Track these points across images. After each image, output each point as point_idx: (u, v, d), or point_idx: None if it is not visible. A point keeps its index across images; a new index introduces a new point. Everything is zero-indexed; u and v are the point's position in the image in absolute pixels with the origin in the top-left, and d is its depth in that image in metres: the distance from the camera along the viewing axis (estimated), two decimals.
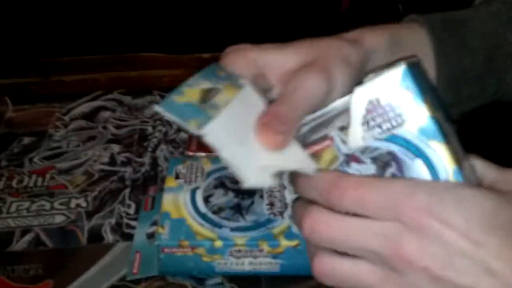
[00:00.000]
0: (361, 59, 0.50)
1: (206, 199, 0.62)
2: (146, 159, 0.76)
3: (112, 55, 0.98)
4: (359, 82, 0.39)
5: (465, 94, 0.58)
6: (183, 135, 0.79)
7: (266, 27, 1.36)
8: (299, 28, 1.42)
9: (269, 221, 0.60)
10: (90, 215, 0.68)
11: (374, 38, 0.52)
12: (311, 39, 0.51)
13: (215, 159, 0.69)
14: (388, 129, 0.35)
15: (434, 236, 0.34)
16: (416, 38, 0.55)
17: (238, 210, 0.61)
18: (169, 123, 0.82)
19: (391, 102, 0.35)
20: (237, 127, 0.41)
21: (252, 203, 0.62)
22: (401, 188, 0.35)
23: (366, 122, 0.36)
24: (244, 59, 0.48)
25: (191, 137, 0.76)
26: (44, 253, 0.63)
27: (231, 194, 0.63)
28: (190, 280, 0.59)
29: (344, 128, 0.37)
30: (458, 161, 0.35)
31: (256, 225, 0.59)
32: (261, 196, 0.63)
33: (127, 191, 0.71)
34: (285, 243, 0.57)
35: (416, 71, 0.36)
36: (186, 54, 0.97)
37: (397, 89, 0.35)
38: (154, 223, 0.64)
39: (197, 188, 0.64)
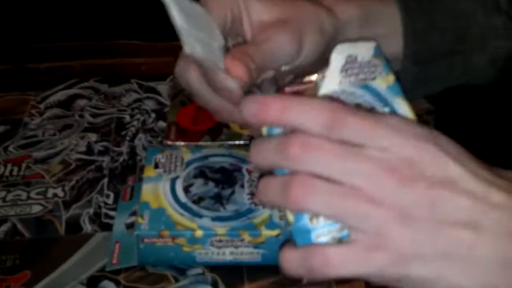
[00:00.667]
0: (333, 29, 0.52)
1: (186, 189, 0.62)
2: (124, 148, 0.75)
3: (87, 42, 0.97)
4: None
5: (432, 72, 0.59)
6: (161, 124, 0.78)
7: None
8: None
9: (250, 210, 0.59)
10: (67, 205, 0.67)
11: (348, 11, 0.54)
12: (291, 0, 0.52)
13: (195, 148, 0.69)
14: (362, 80, 0.39)
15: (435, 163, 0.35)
16: (389, 14, 0.57)
17: (218, 199, 0.61)
18: (147, 112, 0.81)
19: (366, 61, 0.40)
20: (196, 20, 0.43)
21: (233, 192, 0.62)
22: (397, 120, 0.36)
23: (344, 70, 0.39)
24: None
25: (170, 126, 0.76)
26: (21, 244, 0.62)
27: (211, 184, 0.63)
28: (170, 270, 0.59)
29: (324, 77, 0.40)
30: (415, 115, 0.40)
31: (237, 215, 0.59)
32: (242, 186, 0.62)
33: (105, 180, 0.70)
34: (266, 232, 0.57)
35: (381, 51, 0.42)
36: (163, 41, 0.96)
37: (371, 55, 0.40)
38: (133, 213, 0.63)
39: (176, 177, 0.63)
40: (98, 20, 1.32)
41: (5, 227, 0.64)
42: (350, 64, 0.40)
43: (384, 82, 0.40)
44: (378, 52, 0.40)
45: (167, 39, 0.96)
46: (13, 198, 0.67)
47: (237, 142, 0.73)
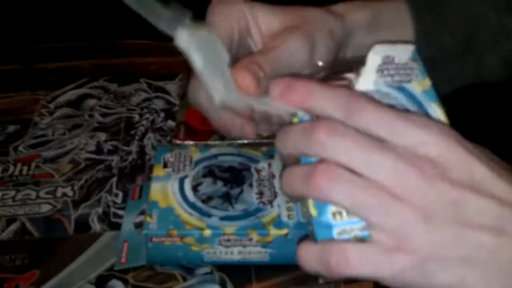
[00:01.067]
0: (343, 33, 0.52)
1: (195, 188, 0.62)
2: (133, 147, 0.75)
3: (97, 42, 0.97)
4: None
5: (443, 74, 0.58)
6: (170, 124, 0.78)
7: None
8: None
9: (258, 210, 0.59)
10: (76, 204, 0.67)
11: (357, 15, 0.54)
12: (300, 6, 0.52)
13: (203, 147, 0.69)
14: (398, 81, 0.39)
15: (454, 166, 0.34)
16: (398, 16, 0.57)
17: (227, 199, 0.61)
18: (156, 112, 0.81)
19: (403, 63, 0.39)
20: (208, 50, 0.43)
21: (241, 192, 0.61)
22: (424, 119, 0.36)
23: (380, 70, 0.39)
24: (232, 10, 0.49)
25: (179, 125, 0.76)
26: (30, 243, 0.63)
27: (220, 183, 0.63)
28: (178, 270, 0.59)
29: (359, 76, 0.39)
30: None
31: (246, 214, 0.59)
32: (250, 185, 0.62)
33: (114, 180, 0.70)
34: (274, 232, 0.57)
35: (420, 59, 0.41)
36: (172, 41, 0.96)
37: (408, 57, 0.39)
38: (142, 213, 0.63)
39: (185, 176, 0.63)
40: (107, 20, 1.32)
41: (14, 226, 0.64)
42: (386, 64, 0.39)
43: (420, 86, 0.39)
44: (416, 56, 0.40)
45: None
46: (23, 197, 0.68)
47: (246, 141, 0.73)
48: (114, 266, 0.59)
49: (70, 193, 0.68)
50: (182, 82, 0.85)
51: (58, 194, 0.68)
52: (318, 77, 0.49)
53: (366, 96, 0.37)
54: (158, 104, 0.83)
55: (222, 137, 0.73)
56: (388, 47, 0.39)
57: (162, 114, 0.80)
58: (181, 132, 0.74)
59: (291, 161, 0.38)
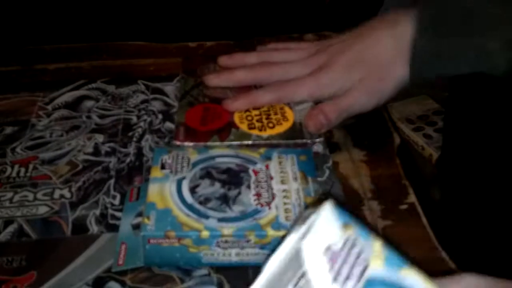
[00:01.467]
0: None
1: (193, 190, 0.62)
2: (131, 149, 0.75)
3: (95, 43, 0.97)
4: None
5: (444, 48, 0.62)
6: (168, 125, 0.78)
7: (252, 17, 1.35)
8: (285, 18, 1.41)
9: (256, 211, 0.59)
10: (74, 206, 0.67)
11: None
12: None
13: (201, 149, 0.69)
14: (359, 277, 0.30)
15: None
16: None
17: (225, 200, 0.61)
18: (154, 113, 0.81)
19: (343, 246, 0.31)
20: None
21: (239, 193, 0.61)
22: None
23: (334, 278, 0.30)
24: None
25: (178, 126, 0.76)
26: (27, 245, 0.62)
27: (217, 185, 0.63)
28: (176, 271, 0.59)
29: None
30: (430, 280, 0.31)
31: (243, 216, 0.59)
32: (248, 187, 0.62)
33: (111, 181, 0.70)
34: (272, 233, 0.57)
35: (339, 206, 0.32)
36: (171, 42, 0.96)
37: (339, 230, 0.31)
38: (140, 214, 0.63)
39: (183, 178, 0.63)
40: (106, 22, 1.32)
41: (11, 228, 0.64)
42: (333, 263, 0.30)
43: (377, 259, 0.30)
44: (341, 213, 0.31)
45: (175, 40, 0.97)
46: (20, 199, 0.67)
47: (245, 142, 0.73)
48: (111, 268, 0.59)
49: (68, 195, 0.68)
50: (180, 84, 0.85)
51: (56, 196, 0.68)
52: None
53: None
54: (156, 105, 0.82)
55: (222, 138, 0.73)
56: (312, 236, 0.31)
57: (160, 116, 0.80)
58: (180, 134, 0.74)
59: None
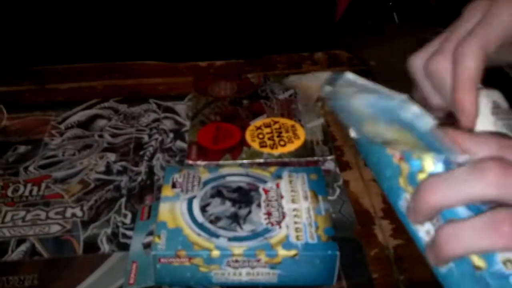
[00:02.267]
0: None
1: (203, 208, 0.62)
2: (142, 168, 0.75)
3: (107, 63, 0.98)
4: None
5: None
6: (179, 144, 0.79)
7: (262, 35, 1.36)
8: (295, 36, 1.42)
9: (266, 230, 0.59)
10: (86, 224, 0.67)
11: None
12: None
13: (212, 168, 0.69)
14: (508, 124, 0.41)
15: None
16: None
17: (235, 219, 0.61)
18: (165, 132, 0.81)
19: (505, 108, 0.42)
20: None
21: (250, 212, 0.61)
22: None
23: (495, 113, 0.41)
24: None
25: (191, 145, 0.76)
26: (39, 263, 0.63)
27: (228, 204, 0.63)
28: None
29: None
30: None
31: (254, 235, 0.59)
32: (259, 206, 0.62)
33: (123, 200, 0.70)
34: (282, 253, 0.57)
35: None
36: (182, 62, 0.97)
37: (504, 102, 0.42)
38: (150, 233, 0.63)
39: (194, 197, 0.63)
40: (117, 42, 1.34)
41: (23, 247, 0.64)
42: (496, 108, 0.41)
43: None
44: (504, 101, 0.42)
45: (185, 59, 0.98)
46: (33, 218, 0.68)
47: (257, 161, 0.73)
48: (122, 287, 0.59)
49: (80, 214, 0.69)
50: (191, 102, 0.85)
51: (68, 214, 0.68)
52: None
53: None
54: (167, 124, 0.83)
55: (234, 157, 0.74)
56: (490, 91, 0.42)
57: (171, 135, 0.81)
58: (193, 152, 0.75)
59: (422, 220, 0.36)
